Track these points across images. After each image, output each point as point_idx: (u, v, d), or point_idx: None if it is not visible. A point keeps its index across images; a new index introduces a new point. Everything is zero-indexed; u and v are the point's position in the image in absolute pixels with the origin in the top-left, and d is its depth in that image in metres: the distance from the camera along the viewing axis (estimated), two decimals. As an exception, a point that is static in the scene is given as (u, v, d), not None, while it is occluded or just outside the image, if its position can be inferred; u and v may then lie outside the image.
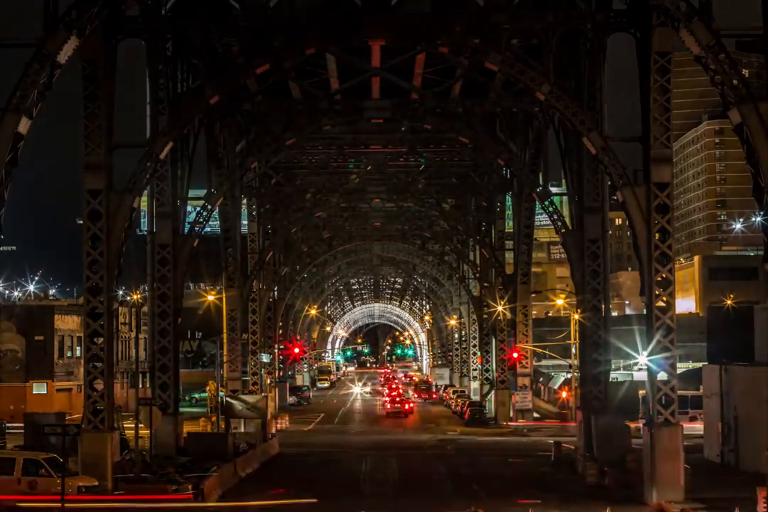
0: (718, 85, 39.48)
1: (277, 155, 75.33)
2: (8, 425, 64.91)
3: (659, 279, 43.17)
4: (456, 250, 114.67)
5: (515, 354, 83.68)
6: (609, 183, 50.59)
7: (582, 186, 55.41)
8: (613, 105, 52.42)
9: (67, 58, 40.59)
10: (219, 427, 63.96)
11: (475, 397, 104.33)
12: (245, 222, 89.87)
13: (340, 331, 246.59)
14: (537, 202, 71.82)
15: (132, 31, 47.69)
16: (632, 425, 55.51)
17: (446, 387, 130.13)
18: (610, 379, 56.27)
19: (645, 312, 44.37)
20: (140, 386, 57.16)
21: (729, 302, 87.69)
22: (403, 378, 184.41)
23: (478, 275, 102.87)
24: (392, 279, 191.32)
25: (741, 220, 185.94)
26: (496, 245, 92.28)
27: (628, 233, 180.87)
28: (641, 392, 55.73)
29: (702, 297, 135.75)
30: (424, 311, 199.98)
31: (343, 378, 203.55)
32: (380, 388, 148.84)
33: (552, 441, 59.78)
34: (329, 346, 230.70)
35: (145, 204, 78.30)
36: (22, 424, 58.11)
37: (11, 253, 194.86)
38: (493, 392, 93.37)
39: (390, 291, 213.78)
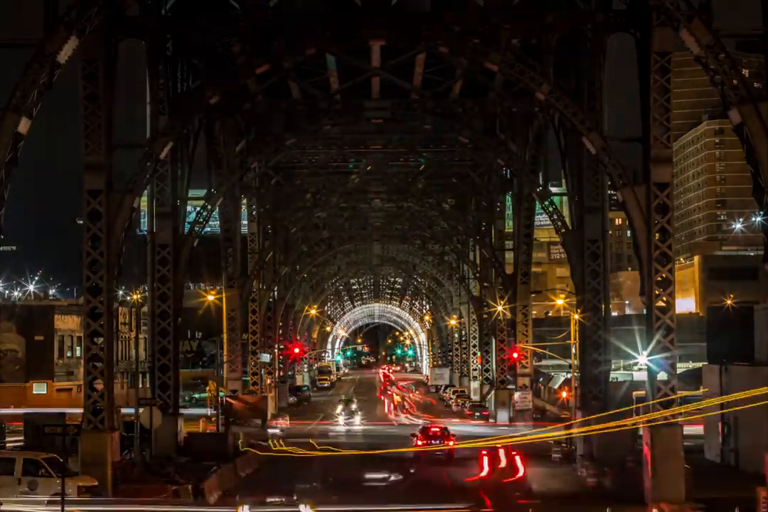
0: (718, 85, 39.47)
1: (277, 155, 75.31)
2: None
3: (659, 279, 43.15)
4: (456, 250, 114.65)
5: (515, 354, 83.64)
6: (609, 183, 50.57)
7: (582, 186, 55.42)
8: (613, 105, 52.46)
9: (67, 58, 40.59)
10: (219, 427, 63.96)
11: (475, 397, 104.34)
12: (245, 222, 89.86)
13: (340, 331, 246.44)
14: (537, 202, 71.84)
15: (132, 31, 47.75)
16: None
17: (446, 387, 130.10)
18: (610, 379, 56.25)
19: (645, 312, 44.38)
20: (140, 386, 57.16)
21: (729, 302, 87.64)
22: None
23: (478, 275, 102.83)
24: (392, 279, 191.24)
25: (741, 219, 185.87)
26: (496, 245, 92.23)
27: (628, 233, 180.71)
28: (635, 393, 55.64)
29: (702, 297, 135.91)
30: (424, 311, 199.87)
31: (342, 377, 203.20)
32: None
33: (552, 441, 59.75)
34: (329, 346, 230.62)
35: (145, 204, 78.15)
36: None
37: (11, 252, 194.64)
38: (493, 392, 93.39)
39: (390, 291, 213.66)
